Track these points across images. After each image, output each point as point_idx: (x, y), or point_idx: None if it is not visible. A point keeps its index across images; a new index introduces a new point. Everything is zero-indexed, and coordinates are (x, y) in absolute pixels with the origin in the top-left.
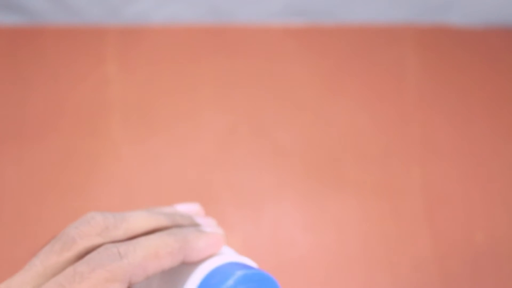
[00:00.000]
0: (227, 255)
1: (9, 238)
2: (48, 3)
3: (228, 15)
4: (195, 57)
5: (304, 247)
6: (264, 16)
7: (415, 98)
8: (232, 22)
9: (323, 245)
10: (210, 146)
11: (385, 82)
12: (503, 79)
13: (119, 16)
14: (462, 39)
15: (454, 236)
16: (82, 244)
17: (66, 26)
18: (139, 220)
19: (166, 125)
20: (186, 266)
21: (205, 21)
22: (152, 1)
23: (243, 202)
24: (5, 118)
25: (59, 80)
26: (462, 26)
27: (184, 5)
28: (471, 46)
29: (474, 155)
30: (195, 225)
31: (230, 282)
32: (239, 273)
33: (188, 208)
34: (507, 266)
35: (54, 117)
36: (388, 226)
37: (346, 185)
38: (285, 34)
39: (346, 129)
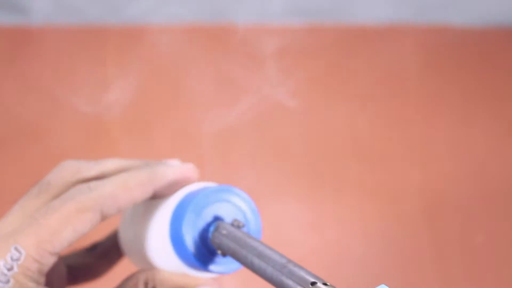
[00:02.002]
0: (197, 184)
1: None
2: (48, 3)
3: (228, 15)
4: (195, 57)
5: (304, 247)
6: (264, 16)
7: (415, 98)
8: (232, 22)
9: (323, 245)
10: (210, 146)
11: (385, 82)
12: (503, 79)
13: (119, 16)
14: (462, 39)
15: (454, 236)
16: (58, 186)
17: (66, 26)
18: (111, 162)
19: (166, 125)
20: (160, 200)
21: (205, 21)
22: (152, 1)
23: None
24: (5, 118)
25: (59, 80)
26: (462, 26)
27: (184, 5)
28: (471, 46)
29: (474, 155)
30: (166, 164)
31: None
32: (206, 189)
33: (169, 161)
34: (507, 266)
35: (54, 117)
36: (388, 226)
37: (346, 185)
38: (285, 34)
39: (346, 129)
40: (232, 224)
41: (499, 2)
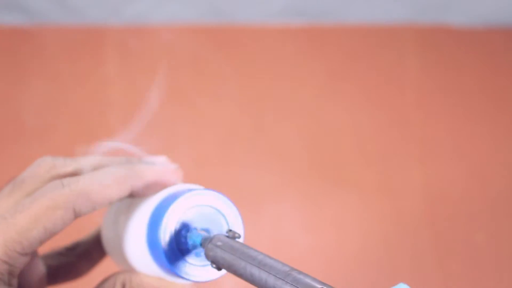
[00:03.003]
0: (180, 186)
1: None
2: (48, 3)
3: (228, 15)
4: (195, 57)
5: (304, 247)
6: (264, 16)
7: (415, 98)
8: (232, 22)
9: (323, 244)
10: (210, 146)
11: (385, 82)
12: (503, 79)
13: (119, 16)
14: (462, 39)
15: (454, 236)
16: (31, 183)
17: (66, 26)
18: (90, 159)
19: (166, 125)
20: (139, 201)
21: (205, 21)
22: (152, 1)
23: (243, 202)
24: (5, 118)
25: (59, 80)
26: (462, 26)
27: (184, 5)
28: (471, 46)
29: (474, 155)
30: (147, 162)
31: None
32: (188, 192)
33: (154, 159)
34: (507, 266)
35: (54, 117)
36: (388, 226)
37: (346, 185)
38: (285, 34)
39: (346, 129)
40: (227, 235)
41: (499, 2)
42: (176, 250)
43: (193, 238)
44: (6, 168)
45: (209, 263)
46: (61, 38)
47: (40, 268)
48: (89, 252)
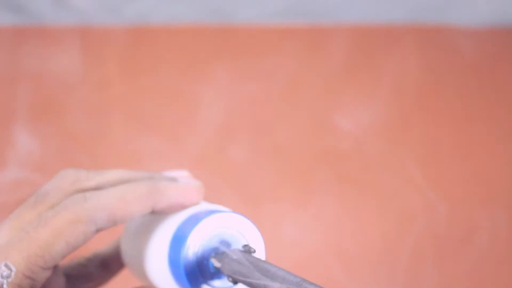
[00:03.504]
0: (203, 205)
1: None
2: (48, 3)
3: (229, 15)
4: (195, 57)
5: (304, 247)
6: (264, 16)
7: (415, 98)
8: (232, 22)
9: (323, 244)
10: (210, 146)
11: (385, 82)
12: (503, 79)
13: (119, 16)
14: (462, 39)
15: (454, 236)
16: (55, 196)
17: (66, 26)
18: (113, 173)
19: (166, 125)
20: (162, 218)
21: (205, 21)
22: (152, 1)
23: (243, 202)
24: (4, 117)
25: (59, 80)
26: (462, 26)
27: (184, 5)
28: (471, 46)
29: (474, 155)
30: (170, 179)
31: (200, 228)
32: (211, 215)
33: (176, 173)
34: (507, 266)
35: (54, 117)
36: (388, 226)
37: (346, 185)
38: (285, 34)
39: (346, 129)
40: (244, 250)
41: (499, 2)
42: (197, 270)
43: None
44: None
45: (230, 285)
46: (61, 38)
47: (59, 278)
48: (108, 262)
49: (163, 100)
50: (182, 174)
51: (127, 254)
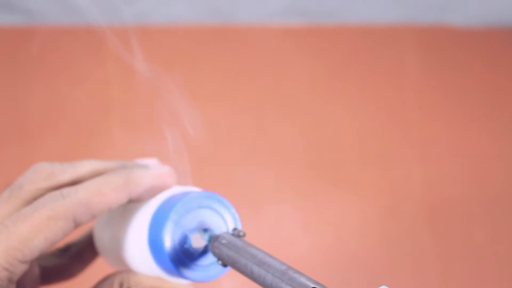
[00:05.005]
0: (176, 189)
1: None
2: (48, 3)
3: (228, 15)
4: (195, 57)
5: (304, 246)
6: (264, 16)
7: (415, 98)
8: (232, 22)
9: (323, 244)
10: (210, 146)
11: (385, 82)
12: (503, 79)
13: (119, 16)
14: (462, 39)
15: (454, 236)
16: (29, 190)
17: (66, 26)
18: (86, 164)
19: (166, 125)
20: (137, 205)
21: (205, 21)
22: (152, 1)
23: (243, 202)
24: (5, 118)
25: (59, 80)
26: (462, 26)
27: (184, 5)
28: (471, 46)
29: (474, 155)
30: (142, 167)
31: (179, 207)
32: (189, 195)
33: (146, 161)
34: (507, 266)
35: (54, 117)
36: (387, 226)
37: (346, 185)
38: (285, 34)
39: (346, 129)
40: (233, 234)
41: (499, 2)
42: (179, 251)
43: (197, 238)
44: (6, 168)
45: (210, 262)
46: (61, 38)
47: (33, 270)
48: (81, 253)
49: (163, 100)
50: (151, 162)
51: (101, 242)
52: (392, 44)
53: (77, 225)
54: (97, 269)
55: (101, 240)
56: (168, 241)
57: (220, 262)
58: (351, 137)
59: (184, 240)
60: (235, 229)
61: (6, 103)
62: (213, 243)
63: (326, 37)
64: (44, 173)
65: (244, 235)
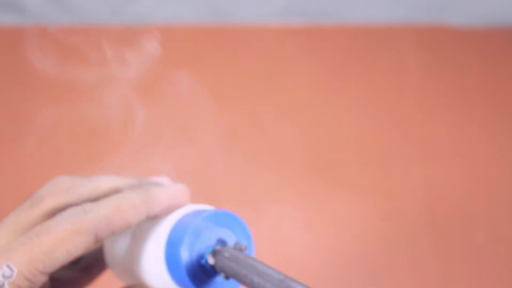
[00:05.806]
0: (190, 206)
1: None
2: (48, 3)
3: (228, 15)
4: (195, 57)
5: (304, 246)
6: (264, 16)
7: (415, 98)
8: (232, 22)
9: (323, 244)
10: (210, 146)
11: (385, 82)
12: (503, 79)
13: (119, 16)
14: (462, 39)
15: (454, 236)
16: (49, 202)
17: (66, 26)
18: (105, 179)
19: (166, 125)
20: (153, 222)
21: (205, 21)
22: (152, 1)
23: (243, 202)
24: (5, 118)
25: (59, 80)
26: (462, 26)
27: (184, 5)
28: (471, 46)
29: (474, 155)
30: (158, 184)
31: (195, 223)
32: (203, 214)
33: (160, 179)
34: (507, 266)
35: (54, 116)
36: (387, 226)
37: (346, 185)
38: (285, 34)
39: (346, 129)
40: (235, 247)
41: (499, 2)
42: (197, 268)
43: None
44: (6, 168)
45: (224, 279)
46: (61, 38)
47: (47, 282)
48: (90, 266)
49: (164, 100)
50: (163, 180)
51: (114, 256)
52: (392, 44)
53: (97, 240)
54: (104, 282)
55: (113, 254)
56: (186, 257)
57: (223, 275)
58: (351, 137)
59: (201, 256)
60: (237, 243)
61: (6, 103)
62: (217, 257)
63: (326, 37)
64: (64, 186)
65: (245, 248)
